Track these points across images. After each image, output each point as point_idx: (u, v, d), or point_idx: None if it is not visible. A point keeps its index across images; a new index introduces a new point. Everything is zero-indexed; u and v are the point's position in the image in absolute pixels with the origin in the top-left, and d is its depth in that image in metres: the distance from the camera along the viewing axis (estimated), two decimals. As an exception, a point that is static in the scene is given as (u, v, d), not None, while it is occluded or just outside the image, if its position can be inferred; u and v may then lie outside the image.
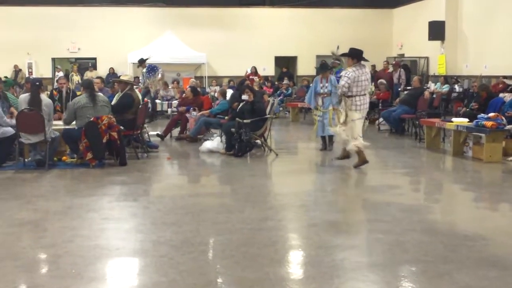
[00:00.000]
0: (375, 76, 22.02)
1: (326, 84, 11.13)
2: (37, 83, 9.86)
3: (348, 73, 9.20)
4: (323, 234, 5.74)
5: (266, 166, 10.29)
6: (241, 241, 5.46)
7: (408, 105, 14.06)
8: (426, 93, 14.38)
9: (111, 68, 24.05)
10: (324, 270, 4.69)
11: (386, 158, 11.26)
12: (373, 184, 8.39)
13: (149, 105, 15.51)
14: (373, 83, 20.47)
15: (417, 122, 13.03)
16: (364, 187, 8.23)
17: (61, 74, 21.77)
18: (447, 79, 19.85)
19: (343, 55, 9.77)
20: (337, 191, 8.14)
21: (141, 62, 18.14)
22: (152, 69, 17.92)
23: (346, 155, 9.73)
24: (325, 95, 11.11)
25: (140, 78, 18.33)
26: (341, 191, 8.21)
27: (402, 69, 20.35)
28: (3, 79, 12.30)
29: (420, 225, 6.02)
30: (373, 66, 24.18)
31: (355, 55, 9.37)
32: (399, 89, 18.90)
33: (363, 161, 9.34)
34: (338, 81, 13.11)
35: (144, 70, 17.93)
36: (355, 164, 9.38)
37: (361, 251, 5.23)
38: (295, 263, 5.03)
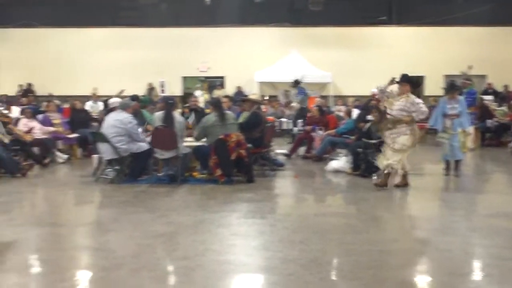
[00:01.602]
0: (508, 96, 21.09)
1: (456, 105, 10.76)
2: (171, 101, 10.33)
3: (418, 100, 9.39)
4: (454, 259, 5.57)
5: (391, 187, 10.12)
6: (370, 263, 5.41)
7: (546, 127, 13.33)
8: None
9: (239, 87, 24.68)
10: (456, 298, 4.56)
11: (521, 183, 10.74)
12: (507, 210, 7.99)
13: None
14: (505, 104, 19.65)
15: (555, 146, 12.31)
16: (496, 212, 7.85)
17: (198, 92, 22.77)
18: None
19: (397, 82, 9.63)
20: (467, 215, 7.79)
21: (296, 83, 19.60)
22: (301, 91, 19.37)
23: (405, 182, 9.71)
24: (454, 117, 10.74)
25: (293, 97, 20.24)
26: (471, 215, 7.84)
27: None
28: (140, 97, 12.98)
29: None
30: (506, 87, 23.18)
31: (414, 83, 9.63)
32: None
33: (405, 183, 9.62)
34: (468, 102, 12.74)
35: (294, 91, 19.74)
36: (399, 183, 9.65)
37: (494, 280, 5.01)
38: (425, 289, 4.92)
